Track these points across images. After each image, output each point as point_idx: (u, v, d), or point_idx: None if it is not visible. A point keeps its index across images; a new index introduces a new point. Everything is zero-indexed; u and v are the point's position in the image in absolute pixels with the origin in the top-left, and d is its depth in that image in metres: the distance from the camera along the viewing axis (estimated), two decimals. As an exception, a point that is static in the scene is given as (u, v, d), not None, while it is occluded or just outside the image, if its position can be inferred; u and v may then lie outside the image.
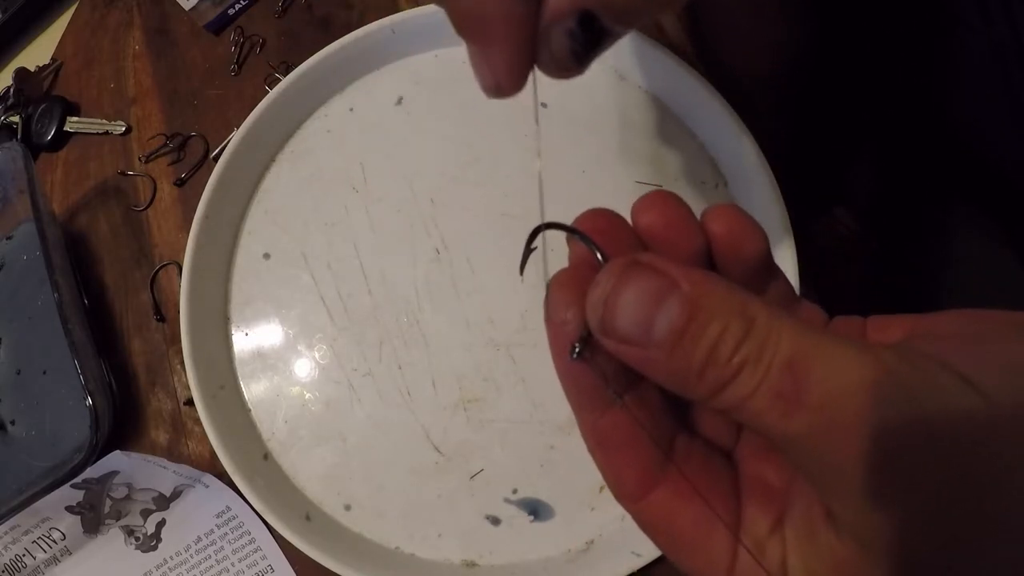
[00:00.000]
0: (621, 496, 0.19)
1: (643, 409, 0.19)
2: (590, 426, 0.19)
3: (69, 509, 0.40)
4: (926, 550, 0.15)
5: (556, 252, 0.40)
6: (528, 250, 0.20)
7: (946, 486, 0.14)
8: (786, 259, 0.36)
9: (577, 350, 0.18)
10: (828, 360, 0.15)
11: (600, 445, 0.19)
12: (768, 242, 0.20)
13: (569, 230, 0.19)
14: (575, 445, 0.38)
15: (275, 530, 0.38)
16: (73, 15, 0.58)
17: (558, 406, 0.38)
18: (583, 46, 0.17)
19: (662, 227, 0.19)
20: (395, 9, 0.46)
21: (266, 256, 0.44)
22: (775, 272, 0.21)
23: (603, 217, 0.20)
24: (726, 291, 0.16)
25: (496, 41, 0.18)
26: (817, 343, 0.15)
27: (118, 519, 0.41)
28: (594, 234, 0.19)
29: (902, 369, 0.15)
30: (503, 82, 0.19)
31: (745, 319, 0.16)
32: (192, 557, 0.41)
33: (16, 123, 0.53)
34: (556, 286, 0.19)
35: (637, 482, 0.19)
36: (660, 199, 0.19)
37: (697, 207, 0.20)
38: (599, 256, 0.18)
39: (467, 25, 0.18)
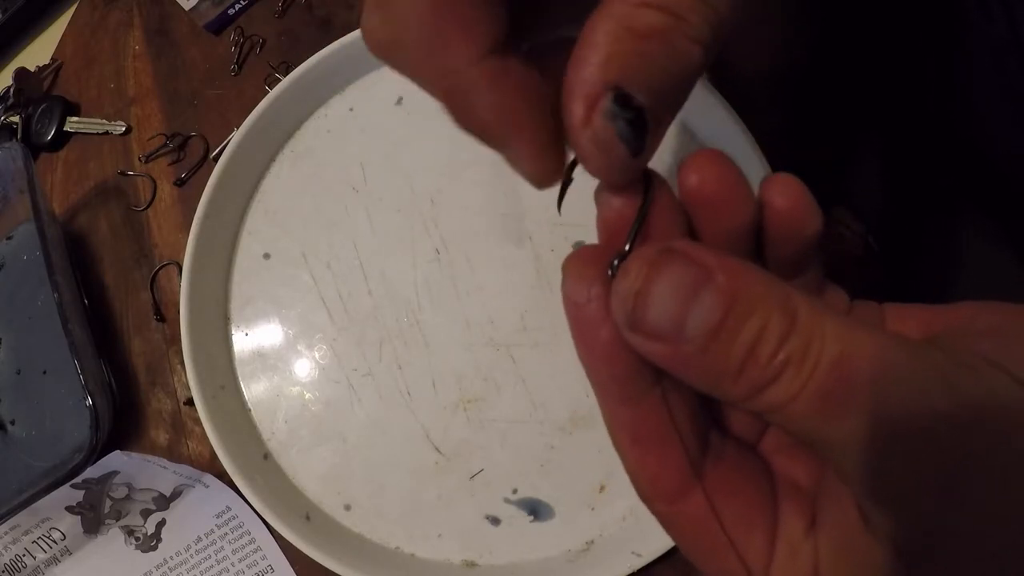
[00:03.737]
0: (655, 497, 0.18)
1: (681, 400, 0.17)
2: (623, 420, 0.17)
3: (69, 509, 0.40)
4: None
5: (557, 252, 0.40)
6: (567, 181, 0.18)
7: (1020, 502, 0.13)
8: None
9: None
10: (879, 361, 0.14)
11: (636, 441, 0.17)
12: (822, 223, 0.18)
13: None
14: (575, 445, 0.38)
15: (275, 530, 0.38)
16: (73, 15, 0.58)
17: (558, 406, 0.38)
18: (631, 126, 0.15)
19: (712, 192, 0.17)
20: (395, 9, 0.46)
21: (266, 256, 0.44)
22: (817, 255, 0.19)
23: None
24: (766, 282, 0.15)
25: (521, 145, 0.17)
26: (865, 341, 0.14)
27: (118, 519, 0.41)
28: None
29: (957, 372, 0.14)
30: (541, 179, 0.18)
31: (787, 313, 0.14)
32: (192, 557, 0.41)
33: (16, 123, 0.53)
34: (574, 263, 0.17)
35: (676, 482, 0.17)
36: (712, 159, 0.18)
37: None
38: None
39: (489, 138, 0.17)
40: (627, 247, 0.17)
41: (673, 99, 0.16)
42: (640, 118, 0.15)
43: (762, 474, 0.18)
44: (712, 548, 0.17)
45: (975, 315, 0.16)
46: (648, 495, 0.18)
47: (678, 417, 0.17)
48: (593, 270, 0.17)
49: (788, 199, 0.18)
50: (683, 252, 0.15)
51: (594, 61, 0.15)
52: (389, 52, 0.17)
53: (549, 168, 0.17)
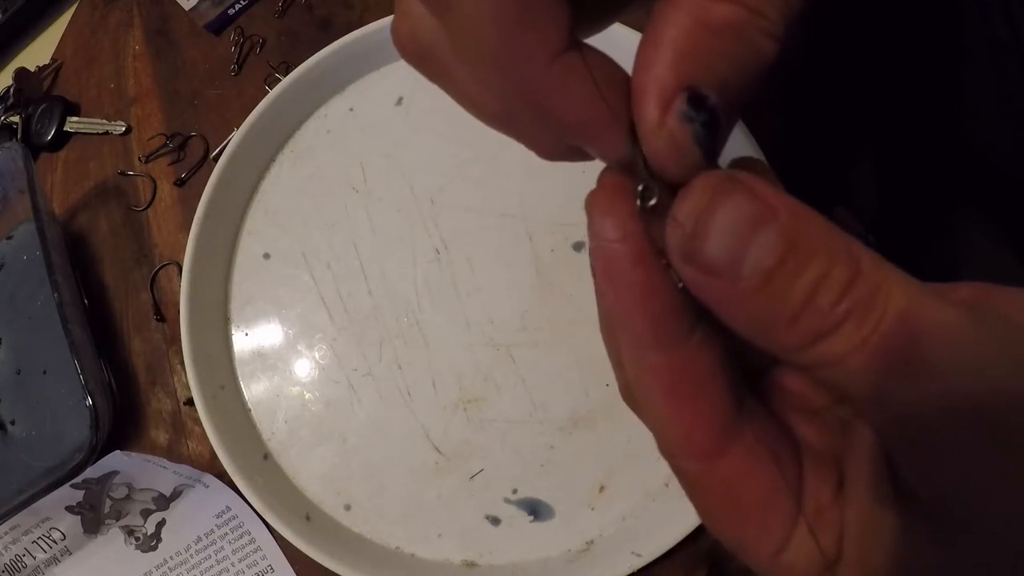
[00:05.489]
0: (687, 453, 0.16)
1: (717, 350, 0.16)
2: (656, 367, 0.16)
3: (69, 509, 0.40)
4: None
5: (557, 252, 0.40)
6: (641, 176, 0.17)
7: None
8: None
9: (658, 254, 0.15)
10: (947, 323, 0.13)
11: (670, 391, 0.16)
12: None
13: None
14: (575, 445, 0.38)
15: (275, 530, 0.38)
16: (73, 15, 0.58)
17: (558, 406, 0.38)
18: (706, 128, 0.15)
19: None
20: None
21: (266, 256, 0.44)
22: None
23: None
24: (828, 228, 0.14)
25: (605, 137, 0.16)
26: (932, 301, 0.13)
27: (118, 519, 0.41)
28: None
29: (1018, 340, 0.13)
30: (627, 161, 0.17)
31: (851, 261, 0.13)
32: (192, 557, 0.41)
33: (16, 123, 0.53)
34: (602, 195, 0.16)
35: (711, 438, 0.16)
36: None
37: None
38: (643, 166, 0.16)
39: (572, 136, 0.16)
40: (647, 179, 0.16)
41: (744, 97, 0.15)
42: (714, 119, 0.15)
43: (788, 436, 0.17)
44: (740, 512, 0.16)
45: (978, 296, 0.16)
46: (679, 451, 0.16)
47: (715, 366, 0.16)
48: (625, 204, 0.16)
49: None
50: (747, 184, 0.14)
51: (666, 58, 0.14)
52: (426, 62, 0.17)
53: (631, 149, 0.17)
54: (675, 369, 0.16)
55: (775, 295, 0.14)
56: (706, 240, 0.14)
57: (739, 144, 0.37)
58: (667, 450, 0.17)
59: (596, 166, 0.18)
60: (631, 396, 0.18)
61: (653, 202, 0.16)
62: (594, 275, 0.16)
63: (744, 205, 0.14)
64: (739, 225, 0.14)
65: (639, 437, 0.37)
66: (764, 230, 0.14)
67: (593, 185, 0.18)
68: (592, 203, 0.16)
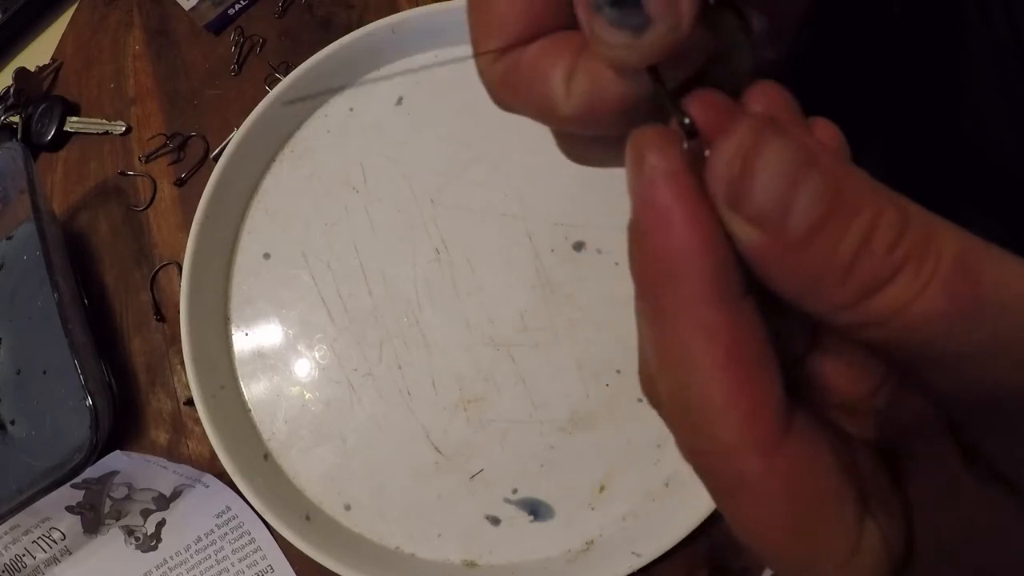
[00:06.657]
0: (749, 443, 0.13)
1: (763, 319, 0.14)
2: (716, 327, 0.13)
3: (69, 509, 0.40)
4: None
5: (557, 252, 0.40)
6: (659, 92, 0.14)
7: None
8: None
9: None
10: (997, 260, 0.12)
11: (731, 357, 0.13)
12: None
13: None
14: (575, 445, 0.38)
15: (275, 530, 0.38)
16: (73, 15, 0.58)
17: (558, 406, 0.38)
18: (617, 7, 0.13)
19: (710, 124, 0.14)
20: (395, 9, 0.46)
21: (266, 256, 0.44)
22: None
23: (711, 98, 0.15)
24: (867, 176, 0.13)
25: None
26: (980, 242, 0.13)
27: (118, 519, 0.41)
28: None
29: None
30: None
31: (899, 206, 0.13)
32: (192, 557, 0.41)
33: (16, 123, 0.53)
34: (655, 134, 0.14)
35: (775, 424, 0.13)
36: (770, 90, 0.16)
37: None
38: (684, 119, 0.14)
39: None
40: (685, 120, 0.14)
41: None
42: None
43: (832, 425, 0.15)
44: (812, 518, 0.13)
45: None
46: (735, 442, 0.13)
47: (766, 337, 0.13)
48: (675, 143, 0.14)
49: (766, 104, 0.16)
50: (790, 129, 0.13)
51: None
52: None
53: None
54: (737, 327, 0.13)
55: (826, 245, 0.12)
56: (752, 182, 0.12)
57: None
58: (717, 444, 0.13)
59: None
60: (653, 388, 0.15)
61: (693, 142, 0.14)
62: (635, 227, 0.14)
63: (789, 149, 0.12)
64: (785, 168, 0.12)
65: (639, 437, 0.37)
66: (810, 177, 0.12)
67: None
68: (639, 141, 0.14)
